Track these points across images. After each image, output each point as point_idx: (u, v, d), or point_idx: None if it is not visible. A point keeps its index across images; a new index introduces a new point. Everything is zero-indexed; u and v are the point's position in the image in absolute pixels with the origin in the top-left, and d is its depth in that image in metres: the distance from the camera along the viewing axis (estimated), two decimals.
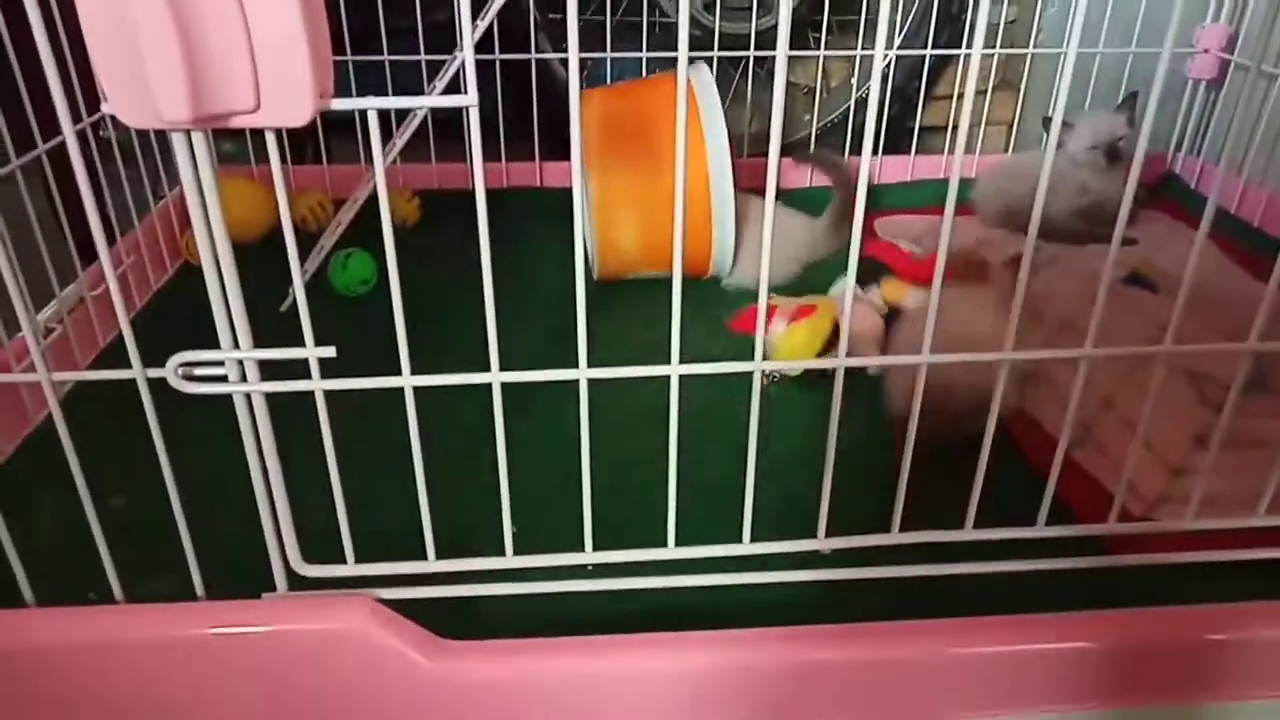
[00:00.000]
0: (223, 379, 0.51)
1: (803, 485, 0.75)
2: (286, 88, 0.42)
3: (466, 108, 0.46)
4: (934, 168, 1.41)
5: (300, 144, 1.42)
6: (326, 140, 1.37)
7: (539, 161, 1.38)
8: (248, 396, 0.52)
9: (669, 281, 0.52)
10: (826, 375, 0.88)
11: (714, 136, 1.02)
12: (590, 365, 0.54)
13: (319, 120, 1.32)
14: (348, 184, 1.24)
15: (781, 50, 0.47)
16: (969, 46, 0.45)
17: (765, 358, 0.56)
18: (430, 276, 1.08)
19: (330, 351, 0.51)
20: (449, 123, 1.34)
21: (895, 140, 1.46)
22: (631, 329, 1.00)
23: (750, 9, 1.40)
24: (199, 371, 0.50)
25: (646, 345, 0.97)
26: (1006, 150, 1.52)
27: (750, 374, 0.56)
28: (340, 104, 0.44)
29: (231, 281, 0.48)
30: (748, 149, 1.43)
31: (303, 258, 1.07)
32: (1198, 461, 0.76)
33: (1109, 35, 1.33)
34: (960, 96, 1.42)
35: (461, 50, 0.45)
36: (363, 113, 0.46)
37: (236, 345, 0.50)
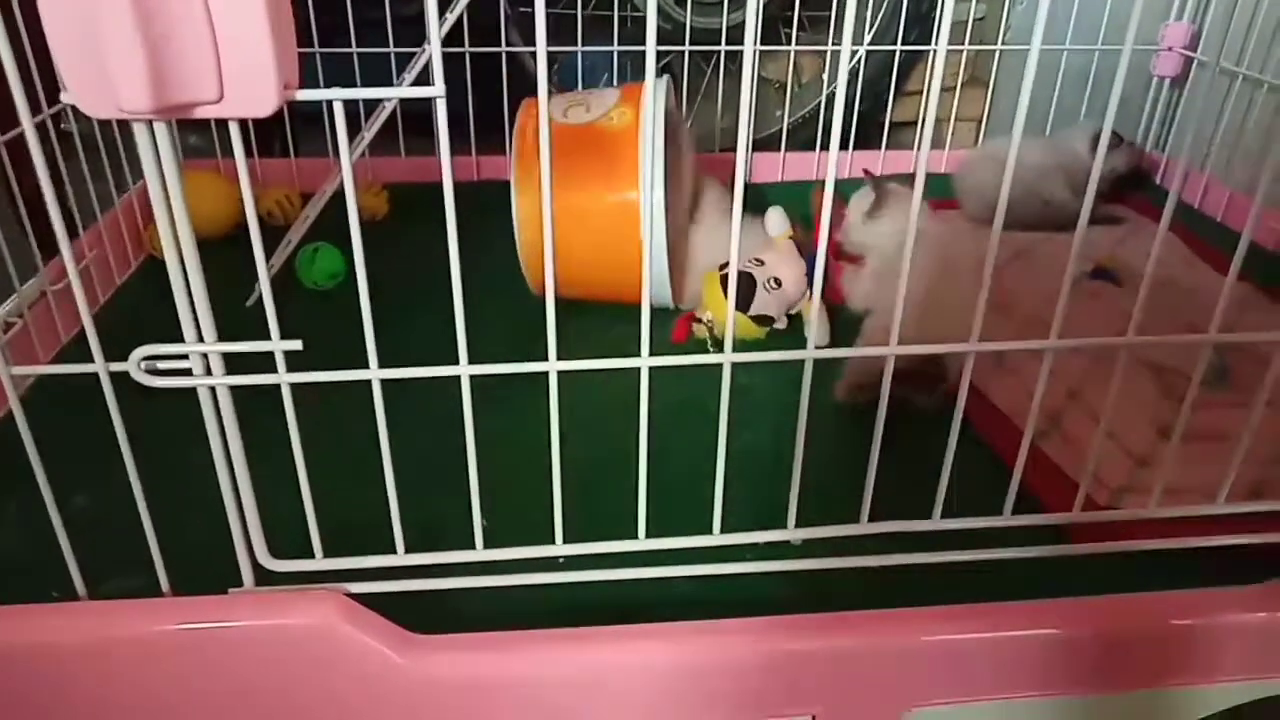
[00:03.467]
0: (187, 373, 0.50)
1: (773, 476, 0.75)
2: (251, 78, 0.42)
3: (435, 99, 0.46)
4: (904, 162, 1.42)
5: (267, 137, 1.40)
6: (294, 133, 1.36)
7: (509, 156, 1.37)
8: (212, 390, 0.51)
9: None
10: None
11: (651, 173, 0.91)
12: (560, 358, 0.54)
13: (286, 113, 1.31)
14: (316, 178, 1.23)
15: (751, 45, 0.47)
16: (937, 43, 0.45)
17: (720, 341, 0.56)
18: (399, 270, 1.07)
19: (296, 345, 0.50)
20: (418, 117, 1.33)
21: (866, 135, 1.47)
22: (602, 325, 1.00)
23: (721, 4, 1.40)
24: (163, 365, 0.50)
25: (616, 341, 0.97)
26: (976, 144, 1.54)
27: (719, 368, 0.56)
28: (306, 95, 0.44)
29: (195, 274, 0.47)
30: (719, 144, 1.43)
31: (270, 252, 1.07)
32: (1161, 452, 0.77)
33: (1075, 33, 1.35)
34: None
35: (430, 42, 0.44)
36: (329, 104, 0.46)
37: (201, 338, 0.49)
